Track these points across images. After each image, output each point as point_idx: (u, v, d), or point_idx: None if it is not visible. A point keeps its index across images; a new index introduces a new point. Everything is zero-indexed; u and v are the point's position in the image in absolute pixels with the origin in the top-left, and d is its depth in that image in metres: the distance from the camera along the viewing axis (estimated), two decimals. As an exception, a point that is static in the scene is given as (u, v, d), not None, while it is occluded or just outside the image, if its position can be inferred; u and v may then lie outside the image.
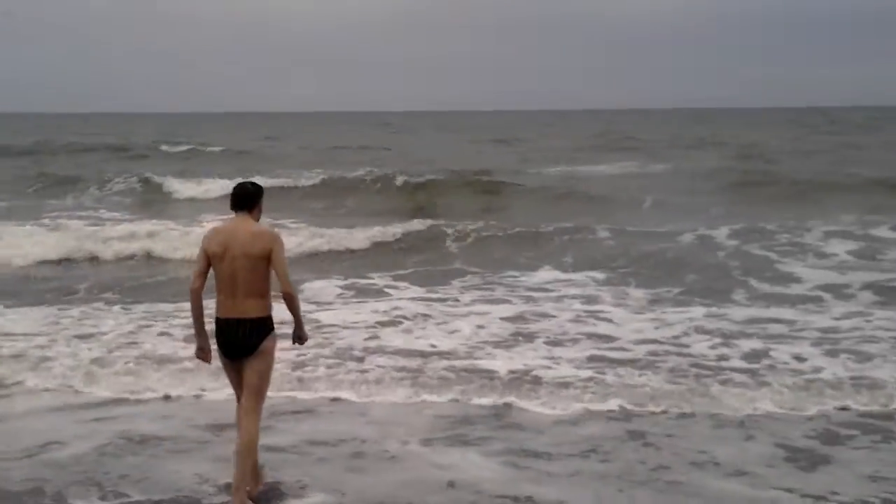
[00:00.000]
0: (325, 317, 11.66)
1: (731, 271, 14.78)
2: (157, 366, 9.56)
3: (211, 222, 8.16)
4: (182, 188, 27.49)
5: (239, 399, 6.14)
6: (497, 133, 64.10)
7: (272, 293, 6.04)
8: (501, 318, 11.65)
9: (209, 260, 6.00)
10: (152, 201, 26.35)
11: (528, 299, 13.02)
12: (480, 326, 11.23)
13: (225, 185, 23.98)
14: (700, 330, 10.99)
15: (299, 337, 6.28)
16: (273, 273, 5.98)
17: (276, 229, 6.27)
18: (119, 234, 18.35)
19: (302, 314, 6.23)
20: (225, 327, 5.97)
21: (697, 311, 12.04)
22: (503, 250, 17.03)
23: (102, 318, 11.89)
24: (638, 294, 13.31)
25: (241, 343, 5.97)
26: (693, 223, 18.68)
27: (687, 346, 10.30)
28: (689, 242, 17.18)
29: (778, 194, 23.85)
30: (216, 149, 45.55)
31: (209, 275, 6.03)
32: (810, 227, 17.61)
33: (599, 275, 14.69)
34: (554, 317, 11.77)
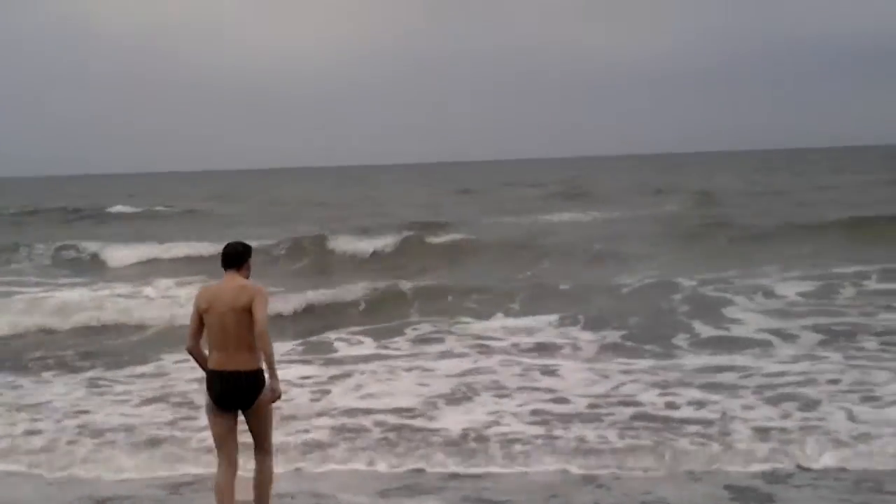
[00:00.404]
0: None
1: (681, 318, 14.89)
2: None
3: (203, 284, 8.24)
4: (117, 254, 26.51)
5: (223, 456, 6.25)
6: (463, 184, 64.75)
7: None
8: (448, 375, 11.64)
9: (201, 317, 6.24)
10: (86, 268, 25.58)
11: (479, 348, 13.10)
12: (423, 384, 11.21)
13: (163, 249, 24.27)
14: (649, 380, 11.04)
15: (272, 389, 6.14)
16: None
17: (259, 285, 6.38)
18: (56, 303, 17.81)
19: (276, 366, 6.17)
20: (219, 379, 6.12)
21: (646, 362, 12.10)
22: (457, 302, 17.08)
23: (48, 387, 11.74)
24: (587, 342, 13.37)
25: (238, 395, 6.13)
26: (645, 270, 18.82)
27: (634, 395, 10.36)
28: (638, 290, 17.34)
29: (734, 239, 24.15)
30: (175, 209, 45.40)
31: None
32: (759, 273, 17.84)
33: (550, 323, 14.74)
34: (500, 370, 11.80)
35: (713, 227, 26.22)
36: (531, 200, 44.66)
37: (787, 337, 13.13)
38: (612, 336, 13.70)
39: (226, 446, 6.27)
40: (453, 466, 8.34)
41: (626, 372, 11.48)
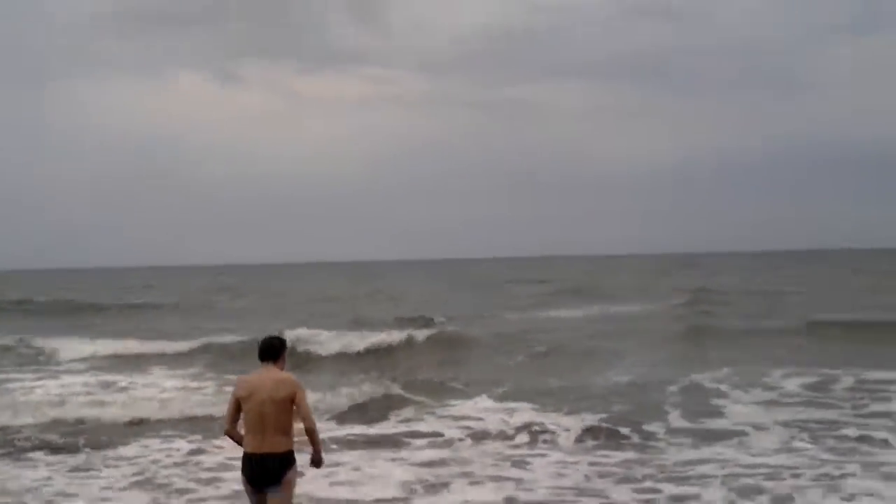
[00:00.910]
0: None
1: (666, 412, 14.87)
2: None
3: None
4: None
5: None
6: (472, 279, 65.40)
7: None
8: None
9: (239, 405, 6.92)
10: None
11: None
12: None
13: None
14: (624, 476, 11.03)
15: (316, 461, 7.10)
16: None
17: (296, 378, 7.09)
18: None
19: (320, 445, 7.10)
20: (253, 461, 6.81)
21: (627, 454, 12.11)
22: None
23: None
24: (568, 431, 13.39)
25: (267, 474, 6.79)
26: (634, 366, 18.95)
27: (603, 489, 10.38)
28: (625, 384, 17.46)
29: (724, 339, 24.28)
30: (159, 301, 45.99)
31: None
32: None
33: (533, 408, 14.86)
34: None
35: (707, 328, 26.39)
36: (535, 296, 45.04)
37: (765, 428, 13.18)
38: (595, 429, 13.59)
39: None
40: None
41: (606, 464, 11.53)
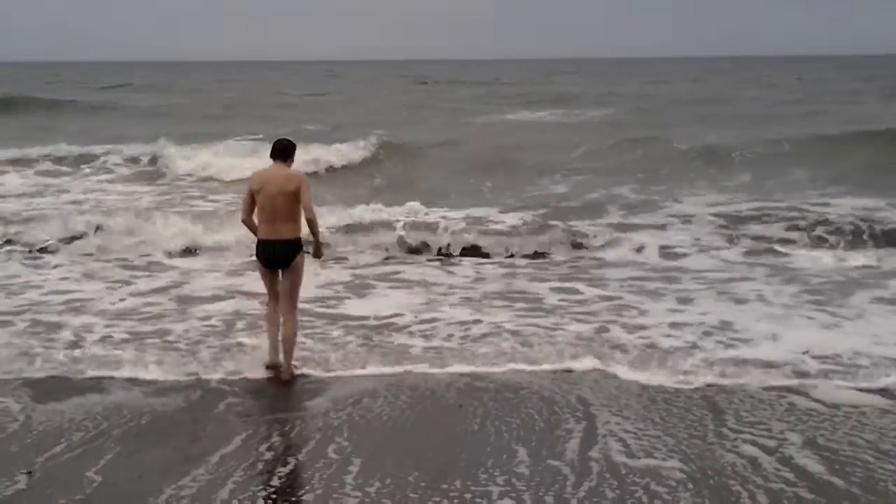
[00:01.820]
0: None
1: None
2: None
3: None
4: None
5: (271, 298, 8.03)
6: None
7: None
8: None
9: (253, 196, 7.76)
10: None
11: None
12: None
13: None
14: (539, 276, 11.30)
15: (316, 252, 8.04)
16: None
17: (303, 174, 8.07)
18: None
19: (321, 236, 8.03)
20: (266, 246, 7.80)
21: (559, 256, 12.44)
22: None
23: None
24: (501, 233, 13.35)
25: (279, 256, 7.79)
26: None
27: (525, 288, 10.68)
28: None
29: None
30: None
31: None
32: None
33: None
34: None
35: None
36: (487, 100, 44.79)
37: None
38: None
39: (272, 291, 8.03)
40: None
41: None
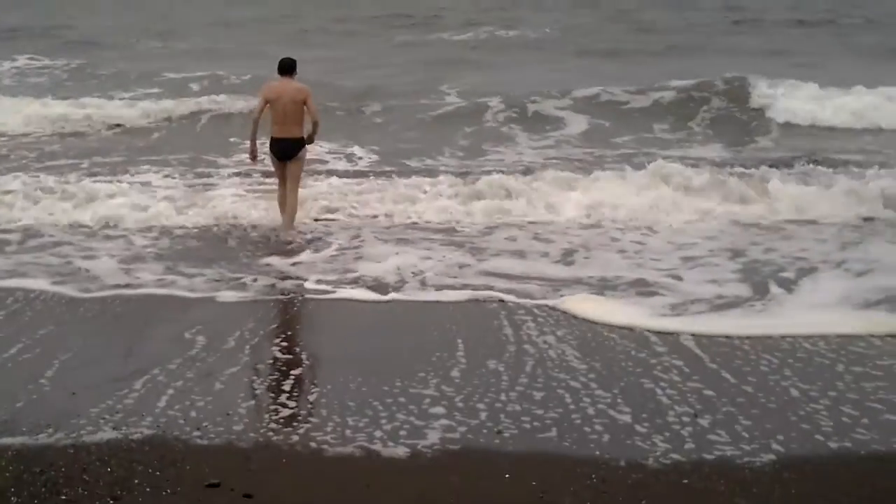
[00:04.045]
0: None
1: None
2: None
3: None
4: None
5: (280, 181, 10.83)
6: None
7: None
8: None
9: (266, 103, 10.51)
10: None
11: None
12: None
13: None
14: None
15: (310, 139, 10.80)
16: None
17: (308, 86, 10.77)
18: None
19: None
20: (280, 142, 10.55)
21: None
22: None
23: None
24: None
25: (288, 151, 10.57)
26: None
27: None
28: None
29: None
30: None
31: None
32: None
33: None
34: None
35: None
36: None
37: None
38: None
39: (281, 177, 10.82)
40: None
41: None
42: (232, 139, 15.79)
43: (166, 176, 13.57)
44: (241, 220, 11.44)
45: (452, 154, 15.50)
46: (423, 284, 9.06)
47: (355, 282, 9.19)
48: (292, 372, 7.04)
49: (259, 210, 11.64)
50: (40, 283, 9.10)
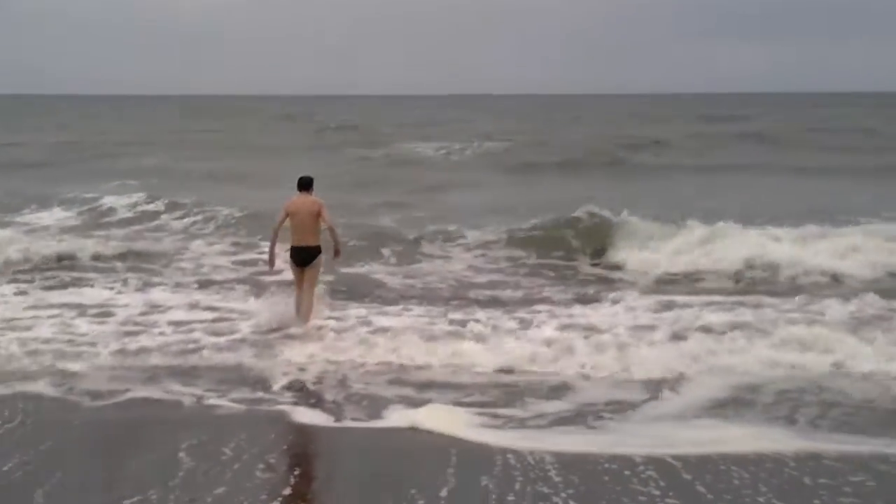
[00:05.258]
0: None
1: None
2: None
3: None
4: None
5: (298, 286, 11.91)
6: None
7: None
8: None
9: (287, 215, 11.68)
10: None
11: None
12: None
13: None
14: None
15: (337, 251, 11.93)
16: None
17: (321, 199, 11.85)
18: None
19: (339, 239, 12.01)
20: (299, 251, 11.70)
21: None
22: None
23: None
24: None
25: (305, 259, 11.69)
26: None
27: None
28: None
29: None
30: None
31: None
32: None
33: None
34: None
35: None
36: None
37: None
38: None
39: (299, 282, 11.93)
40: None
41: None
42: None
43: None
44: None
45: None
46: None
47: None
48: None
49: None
50: None
